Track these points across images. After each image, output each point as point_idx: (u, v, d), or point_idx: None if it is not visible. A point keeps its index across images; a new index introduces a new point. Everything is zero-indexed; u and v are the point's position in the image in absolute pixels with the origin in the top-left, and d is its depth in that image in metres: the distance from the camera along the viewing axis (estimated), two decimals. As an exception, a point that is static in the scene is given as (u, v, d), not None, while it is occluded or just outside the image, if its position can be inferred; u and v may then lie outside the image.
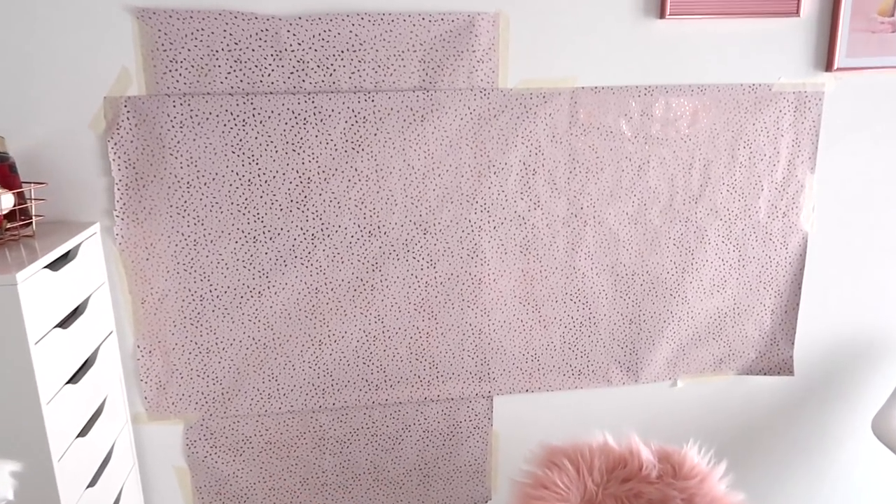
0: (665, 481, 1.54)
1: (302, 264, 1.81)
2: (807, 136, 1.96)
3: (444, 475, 2.08)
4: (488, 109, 1.79)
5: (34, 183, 1.58)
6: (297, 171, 1.74)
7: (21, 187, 1.54)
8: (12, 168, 1.54)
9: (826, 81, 1.94)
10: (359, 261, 1.83)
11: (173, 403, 1.86)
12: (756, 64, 1.89)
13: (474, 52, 1.75)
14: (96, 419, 1.62)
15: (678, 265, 1.99)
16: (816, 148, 1.98)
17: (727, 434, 2.21)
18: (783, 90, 1.92)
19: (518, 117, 1.80)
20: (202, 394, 1.86)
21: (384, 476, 2.04)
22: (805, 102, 1.93)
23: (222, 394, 1.87)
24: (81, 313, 1.57)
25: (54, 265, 1.46)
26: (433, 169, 1.80)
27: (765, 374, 2.15)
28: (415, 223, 1.83)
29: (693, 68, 1.87)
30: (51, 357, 1.40)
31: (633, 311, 2.01)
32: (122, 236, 1.72)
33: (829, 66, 1.91)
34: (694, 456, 1.58)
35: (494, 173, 1.84)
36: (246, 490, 1.97)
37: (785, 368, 2.15)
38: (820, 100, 1.94)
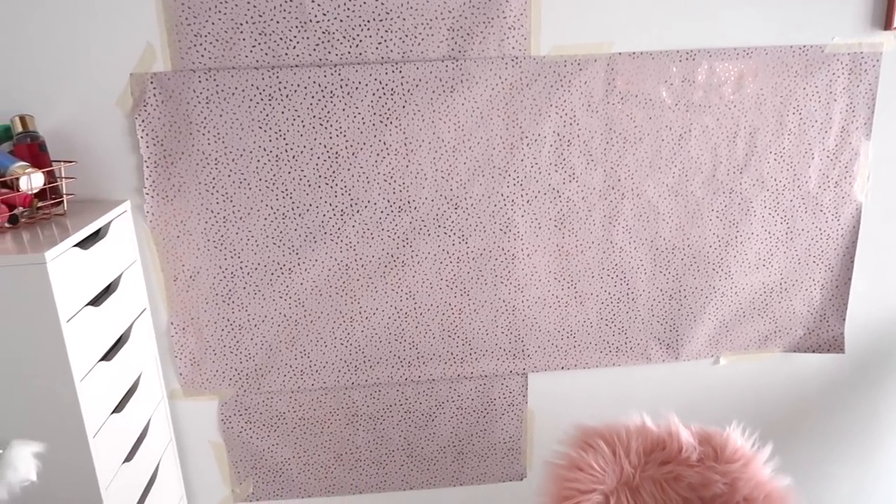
0: (706, 465, 1.49)
1: (332, 240, 1.79)
2: (862, 100, 1.84)
3: (479, 452, 2.06)
4: (520, 78, 1.72)
5: (64, 161, 1.59)
6: (325, 146, 1.71)
7: (51, 166, 1.55)
8: (42, 147, 1.54)
9: (884, 41, 1.81)
10: (389, 237, 1.80)
11: (208, 380, 1.87)
12: (807, 23, 1.77)
13: (505, 18, 1.68)
14: (131, 395, 1.64)
15: (721, 238, 1.91)
16: (873, 113, 1.86)
17: (773, 415, 2.14)
18: (837, 51, 1.80)
19: (552, 86, 1.73)
20: (236, 370, 1.87)
21: (418, 453, 2.03)
22: (861, 64, 1.81)
23: (255, 370, 1.87)
24: (114, 291, 1.58)
25: (84, 243, 1.46)
26: (464, 141, 1.75)
27: (813, 351, 2.06)
28: (445, 198, 1.79)
29: (738, 30, 1.76)
30: (83, 334, 1.41)
31: (673, 287, 1.94)
32: (153, 214, 1.72)
33: (888, 24, 1.78)
34: (737, 438, 1.52)
35: (527, 145, 1.77)
36: (281, 465, 1.99)
37: (835, 346, 2.05)
38: (877, 61, 1.81)
